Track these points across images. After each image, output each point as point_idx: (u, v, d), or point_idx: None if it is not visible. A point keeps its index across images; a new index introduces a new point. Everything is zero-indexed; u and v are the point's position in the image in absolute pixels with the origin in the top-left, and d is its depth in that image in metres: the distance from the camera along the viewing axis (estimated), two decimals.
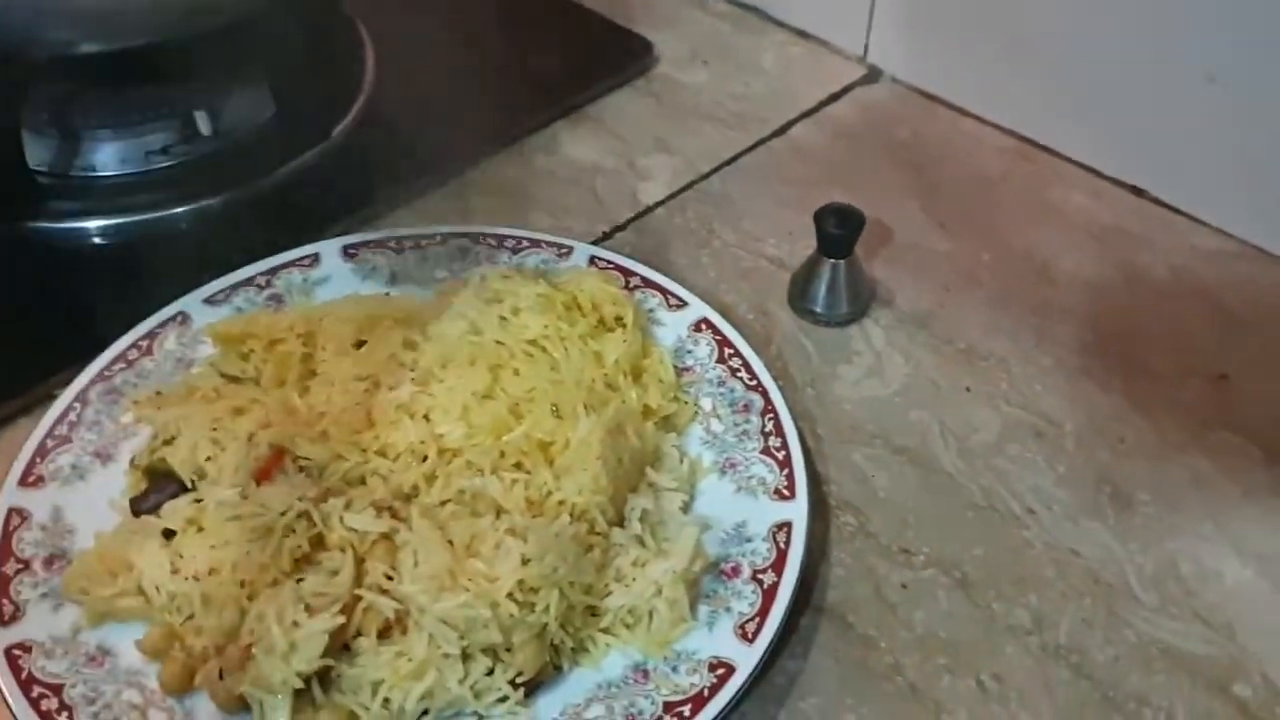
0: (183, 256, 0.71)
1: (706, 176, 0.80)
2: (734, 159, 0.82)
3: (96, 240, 0.73)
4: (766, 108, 0.85)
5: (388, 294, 0.69)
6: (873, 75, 0.88)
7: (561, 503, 0.56)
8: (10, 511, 0.57)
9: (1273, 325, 0.69)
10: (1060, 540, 0.59)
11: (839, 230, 0.68)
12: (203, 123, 0.77)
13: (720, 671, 0.52)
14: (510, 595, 0.51)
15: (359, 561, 0.53)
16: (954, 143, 0.82)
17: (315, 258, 0.70)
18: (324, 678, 0.51)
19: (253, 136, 0.78)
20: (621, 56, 0.89)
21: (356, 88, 0.82)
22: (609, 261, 0.70)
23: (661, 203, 0.78)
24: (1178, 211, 0.76)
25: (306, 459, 0.57)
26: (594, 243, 0.74)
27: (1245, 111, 0.70)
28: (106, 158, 0.76)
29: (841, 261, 0.69)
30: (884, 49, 0.87)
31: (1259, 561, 0.59)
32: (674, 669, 0.52)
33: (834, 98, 0.86)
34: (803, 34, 0.91)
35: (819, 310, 0.70)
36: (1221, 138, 0.72)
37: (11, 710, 0.50)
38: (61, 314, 0.69)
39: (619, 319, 0.65)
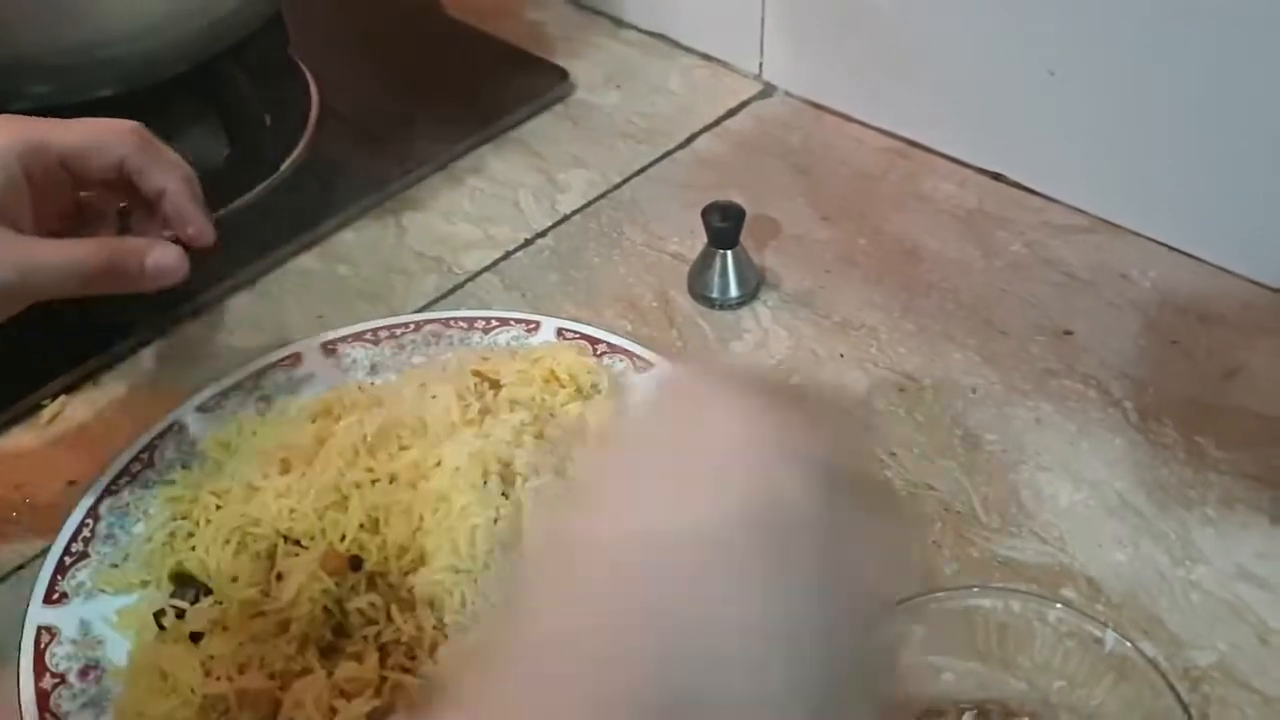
0: None
1: (618, 186, 0.90)
2: (642, 170, 0.91)
3: None
4: (672, 124, 0.95)
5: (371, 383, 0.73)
6: (767, 91, 0.97)
7: None
8: (40, 630, 0.60)
9: (1112, 286, 0.78)
10: (917, 477, 0.68)
11: (723, 224, 0.77)
12: None
13: None
14: None
15: (381, 646, 0.58)
16: (839, 146, 0.92)
17: (297, 357, 0.75)
18: None
19: (210, 173, 0.87)
20: (541, 85, 0.98)
21: (302, 123, 0.91)
22: (575, 332, 0.75)
23: (578, 210, 0.88)
24: (1033, 192, 0.85)
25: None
26: (517, 249, 0.84)
27: (1081, 100, 0.80)
28: None
29: (729, 251, 0.78)
30: (776, 67, 0.97)
31: (1090, 486, 0.67)
32: None
33: (732, 112, 0.96)
34: (705, 57, 1.01)
35: (713, 295, 0.79)
36: (1065, 124, 0.82)
37: None
38: (42, 336, 0.78)
39: (594, 386, 0.71)
